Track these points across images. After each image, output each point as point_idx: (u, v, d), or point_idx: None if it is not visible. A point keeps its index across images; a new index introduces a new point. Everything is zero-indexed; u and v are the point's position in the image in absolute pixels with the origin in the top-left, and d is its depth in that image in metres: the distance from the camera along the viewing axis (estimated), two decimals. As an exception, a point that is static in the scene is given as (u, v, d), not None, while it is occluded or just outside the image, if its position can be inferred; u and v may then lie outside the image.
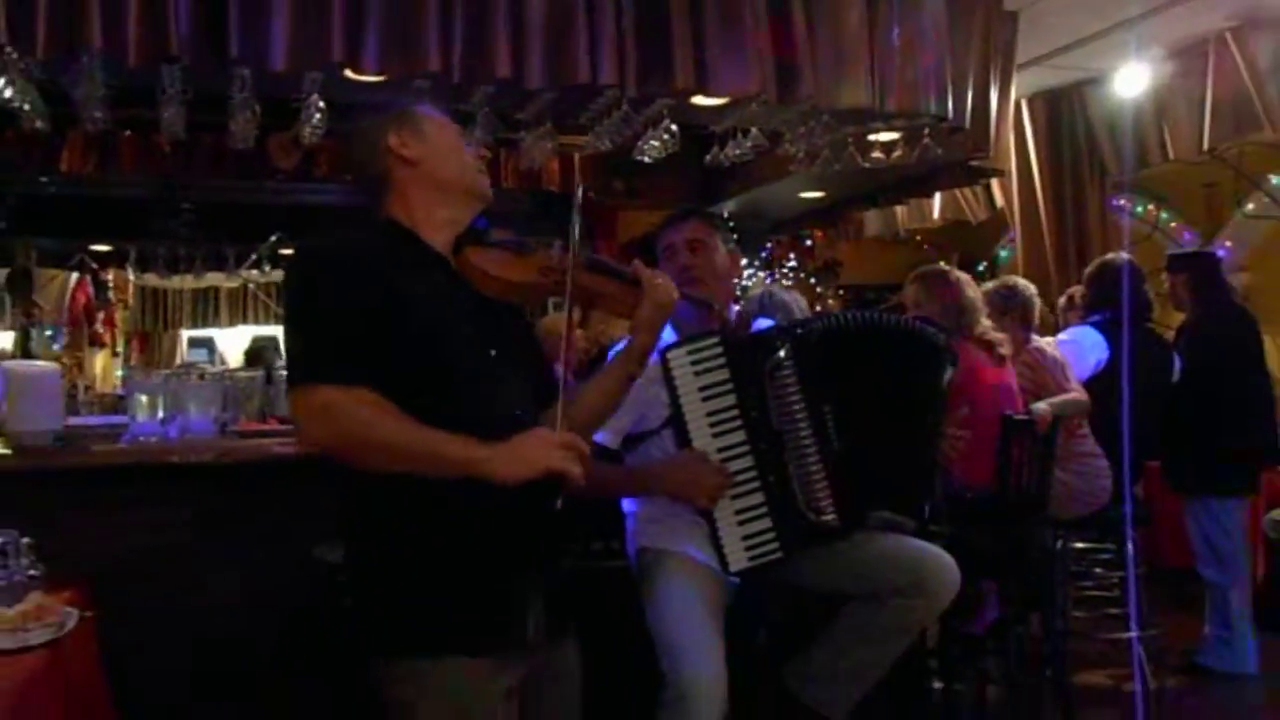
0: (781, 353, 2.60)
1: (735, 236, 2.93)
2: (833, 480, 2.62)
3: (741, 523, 2.62)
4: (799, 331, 2.68)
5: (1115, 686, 4.27)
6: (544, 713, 1.90)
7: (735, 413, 2.61)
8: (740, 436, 2.61)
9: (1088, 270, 4.63)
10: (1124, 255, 4.60)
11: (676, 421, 2.61)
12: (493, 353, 1.89)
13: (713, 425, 2.60)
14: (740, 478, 2.61)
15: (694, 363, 2.59)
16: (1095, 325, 4.35)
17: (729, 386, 2.61)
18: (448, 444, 1.69)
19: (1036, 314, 4.34)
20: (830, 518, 2.63)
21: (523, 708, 1.85)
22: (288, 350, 1.80)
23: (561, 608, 1.93)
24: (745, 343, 2.68)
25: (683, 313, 2.63)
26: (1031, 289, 4.34)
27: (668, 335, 2.65)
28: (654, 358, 2.51)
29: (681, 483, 2.60)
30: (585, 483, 2.63)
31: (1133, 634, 3.76)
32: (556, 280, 1.92)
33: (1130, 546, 4.10)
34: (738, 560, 2.61)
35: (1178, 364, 4.40)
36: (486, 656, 1.77)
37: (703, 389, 2.60)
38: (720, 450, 2.60)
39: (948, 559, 2.70)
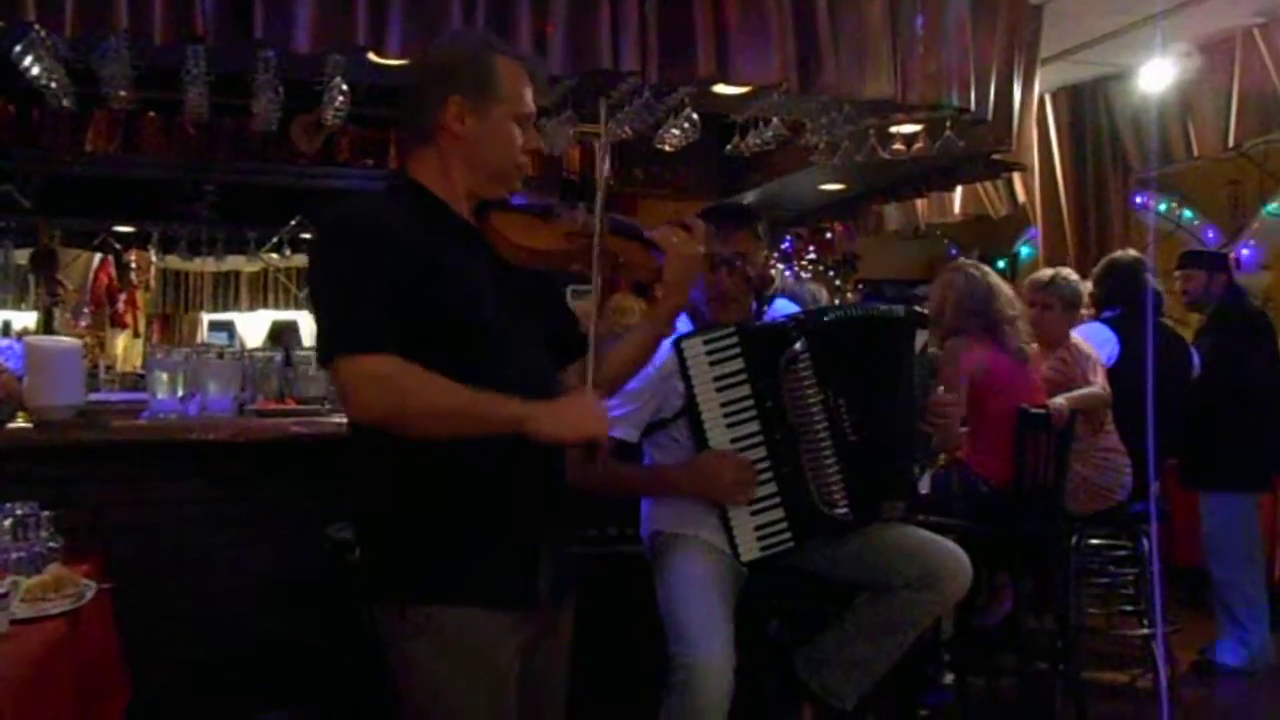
0: (797, 345, 2.60)
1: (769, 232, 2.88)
2: (846, 474, 2.63)
3: (754, 513, 2.63)
4: (811, 323, 2.67)
5: (1128, 682, 4.27)
6: (536, 669, 1.89)
7: (750, 403, 2.61)
8: (754, 427, 2.61)
9: (1096, 269, 4.61)
10: (1132, 251, 4.57)
11: (691, 411, 2.61)
12: (517, 320, 1.88)
13: (727, 415, 2.60)
14: (755, 467, 2.61)
15: (709, 353, 2.58)
16: (1106, 322, 4.34)
17: (743, 377, 2.60)
18: (494, 403, 1.70)
19: (1082, 305, 4.31)
20: (843, 511, 2.64)
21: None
22: (324, 317, 1.76)
23: (567, 572, 1.94)
24: (761, 334, 2.67)
25: (707, 318, 2.70)
26: (1077, 278, 4.31)
27: (683, 326, 2.65)
28: (668, 349, 2.53)
29: (705, 481, 2.61)
30: (604, 481, 2.58)
31: (1157, 630, 3.74)
32: (582, 245, 1.89)
33: (1149, 542, 4.08)
34: (749, 550, 2.62)
35: (1196, 360, 4.38)
36: (502, 609, 1.79)
37: (717, 379, 2.59)
38: (734, 441, 2.60)
39: (958, 552, 2.69)
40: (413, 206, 1.84)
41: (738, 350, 2.59)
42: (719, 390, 2.59)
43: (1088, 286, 4.44)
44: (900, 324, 2.76)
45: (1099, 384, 3.92)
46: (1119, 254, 4.57)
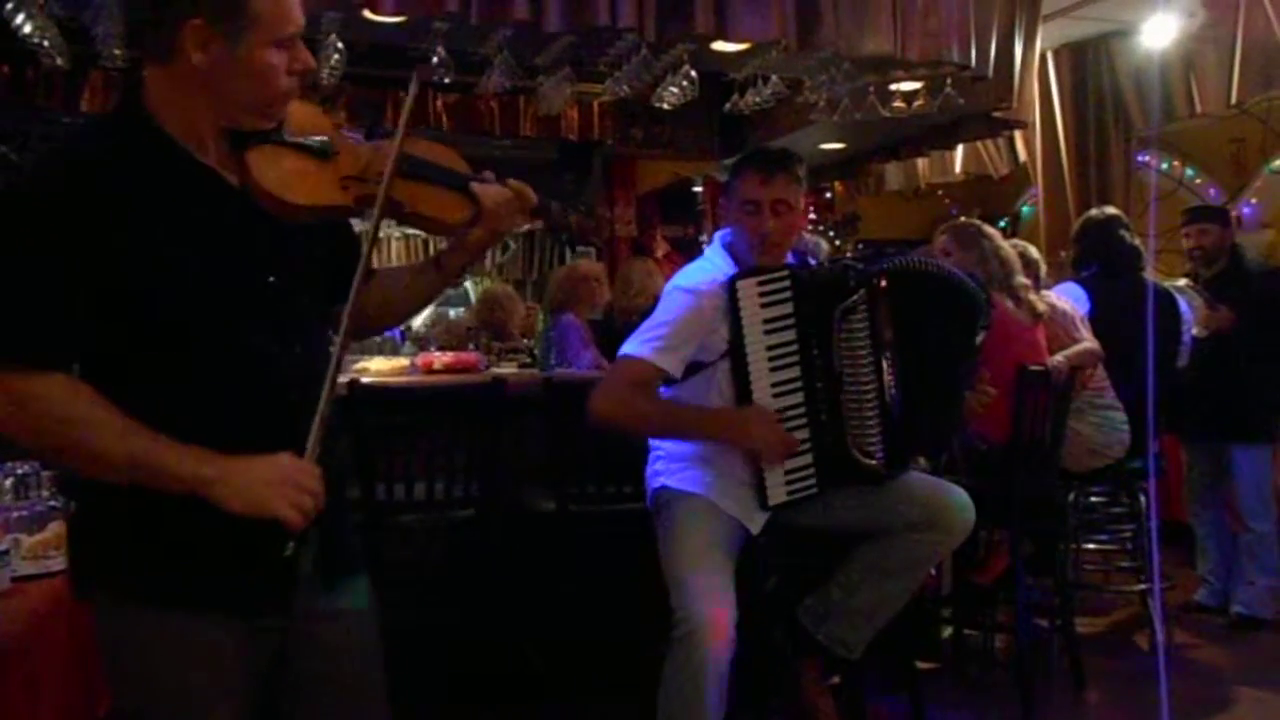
0: (855, 297, 2.62)
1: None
2: (885, 426, 2.66)
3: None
4: (870, 274, 2.66)
5: (1124, 637, 4.30)
6: (323, 655, 1.61)
7: (794, 348, 2.63)
8: (795, 372, 2.64)
9: (1073, 228, 4.61)
10: (1109, 209, 4.55)
11: (736, 353, 2.62)
12: (271, 279, 1.54)
13: (771, 359, 2.62)
14: (790, 413, 2.64)
15: (762, 294, 2.60)
16: (1080, 281, 4.33)
17: (791, 322, 2.62)
18: (169, 456, 1.39)
19: (1041, 272, 4.32)
20: (876, 462, 2.68)
21: (293, 655, 1.59)
22: None
23: (341, 554, 1.65)
24: (817, 281, 2.68)
25: (749, 264, 2.67)
26: (1032, 249, 4.33)
27: (727, 269, 2.68)
28: (719, 287, 2.58)
29: (748, 433, 2.61)
30: (644, 423, 2.67)
31: (1154, 585, 3.76)
32: (363, 194, 1.54)
33: (1147, 499, 4.09)
34: (777, 495, 2.65)
35: (1186, 313, 4.35)
36: (237, 616, 1.52)
37: (766, 322, 2.61)
38: (774, 385, 2.63)
39: (962, 494, 2.72)
40: (133, 149, 1.46)
41: (789, 294, 2.62)
42: (766, 334, 2.61)
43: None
44: (949, 283, 2.79)
45: (1087, 338, 3.93)
46: (1093, 212, 4.56)
